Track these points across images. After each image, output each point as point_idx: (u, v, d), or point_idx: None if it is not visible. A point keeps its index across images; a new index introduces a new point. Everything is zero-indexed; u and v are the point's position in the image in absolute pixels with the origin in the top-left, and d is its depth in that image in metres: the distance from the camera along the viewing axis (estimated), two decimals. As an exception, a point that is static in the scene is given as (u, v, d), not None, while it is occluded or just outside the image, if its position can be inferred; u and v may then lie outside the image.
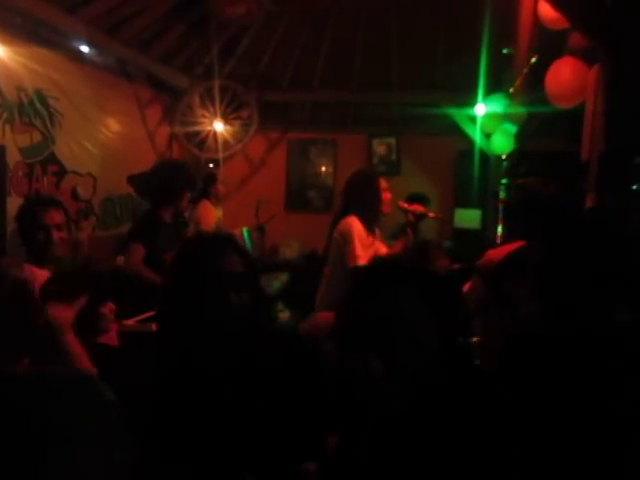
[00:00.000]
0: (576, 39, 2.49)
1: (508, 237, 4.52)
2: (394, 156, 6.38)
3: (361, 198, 3.07)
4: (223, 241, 1.47)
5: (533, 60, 3.55)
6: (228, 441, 1.15)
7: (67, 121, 4.56)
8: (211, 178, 5.05)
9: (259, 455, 1.15)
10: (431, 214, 3.76)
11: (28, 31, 4.01)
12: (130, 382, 1.59)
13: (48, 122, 4.39)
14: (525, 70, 3.76)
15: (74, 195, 4.68)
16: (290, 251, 6.13)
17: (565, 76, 2.53)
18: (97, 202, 5.01)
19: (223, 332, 1.38)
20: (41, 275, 2.41)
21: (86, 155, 4.85)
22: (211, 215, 4.75)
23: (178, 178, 3.60)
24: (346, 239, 2.96)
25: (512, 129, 4.11)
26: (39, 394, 0.72)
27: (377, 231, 3.30)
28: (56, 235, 2.60)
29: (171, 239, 3.56)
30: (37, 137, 4.28)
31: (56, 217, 2.62)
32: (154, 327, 2.97)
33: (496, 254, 2.27)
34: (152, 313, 2.97)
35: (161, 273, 3.37)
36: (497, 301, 2.06)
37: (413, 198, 3.77)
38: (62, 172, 4.56)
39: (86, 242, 4.73)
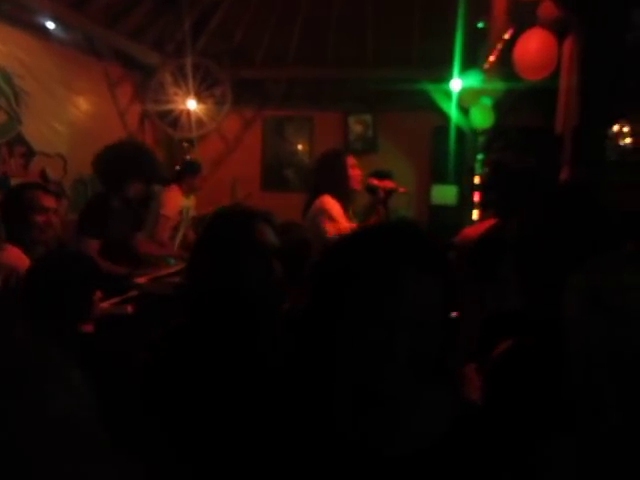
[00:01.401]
0: (546, 9, 2.46)
1: (483, 212, 4.56)
2: (370, 133, 6.35)
3: (330, 177, 3.08)
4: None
5: (506, 35, 3.51)
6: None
7: (34, 100, 4.42)
8: (193, 168, 4.71)
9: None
10: (401, 189, 3.74)
11: (-11, 7, 3.86)
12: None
13: (13, 102, 4.25)
14: (499, 45, 3.73)
15: (43, 177, 4.57)
16: (267, 230, 6.09)
17: (533, 48, 2.51)
18: (68, 184, 4.90)
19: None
20: (24, 260, 2.37)
21: (55, 135, 4.72)
22: (175, 202, 4.40)
23: (124, 165, 3.51)
24: (319, 217, 2.96)
25: (489, 103, 4.10)
26: None
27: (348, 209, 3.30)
28: (54, 218, 2.63)
29: (124, 224, 3.51)
30: (2, 117, 4.15)
31: (51, 201, 2.64)
32: (129, 309, 2.94)
33: (472, 231, 2.27)
34: (123, 296, 2.94)
35: (118, 261, 3.35)
36: (475, 278, 2.06)
37: (379, 175, 3.73)
38: (30, 153, 4.43)
39: (58, 225, 4.63)
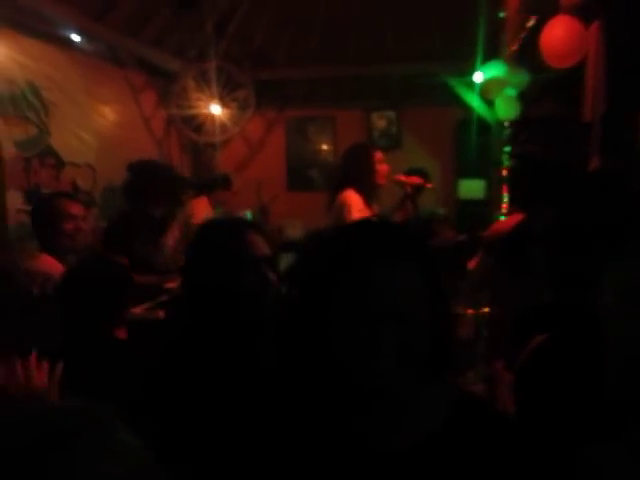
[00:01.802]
0: (568, -1, 2.40)
1: (511, 206, 4.49)
2: (394, 129, 6.31)
3: (356, 170, 3.07)
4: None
5: (530, 23, 3.45)
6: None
7: (61, 112, 4.51)
8: (225, 183, 4.79)
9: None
10: (428, 185, 3.72)
11: (15, 22, 3.94)
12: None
13: (42, 114, 4.34)
14: (522, 34, 3.66)
15: (74, 187, 4.65)
16: (294, 231, 6.10)
17: (559, 35, 2.45)
18: (98, 193, 4.98)
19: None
20: (58, 268, 2.43)
21: (83, 145, 4.81)
22: (204, 212, 4.47)
23: (146, 187, 3.56)
24: (342, 212, 2.96)
25: (514, 94, 4.03)
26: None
27: (375, 206, 3.28)
28: (83, 225, 2.68)
29: (150, 242, 3.56)
30: (32, 130, 4.24)
31: (77, 209, 2.69)
32: (161, 314, 2.98)
33: (502, 227, 2.25)
34: (155, 301, 2.98)
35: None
36: (507, 273, 2.03)
37: (411, 172, 3.73)
38: (60, 164, 4.52)
39: (90, 234, 4.72)
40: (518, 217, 2.22)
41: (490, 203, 5.75)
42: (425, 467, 0.86)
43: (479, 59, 4.89)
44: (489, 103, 5.18)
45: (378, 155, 3.19)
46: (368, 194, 3.10)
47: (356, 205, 2.99)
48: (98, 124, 5.03)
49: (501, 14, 4.63)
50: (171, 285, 3.25)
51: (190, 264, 1.49)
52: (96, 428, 0.65)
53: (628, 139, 2.12)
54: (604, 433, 0.87)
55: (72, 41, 4.54)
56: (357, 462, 0.87)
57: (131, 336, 2.10)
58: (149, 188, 3.59)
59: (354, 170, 3.09)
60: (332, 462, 0.88)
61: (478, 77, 4.70)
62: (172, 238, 4.25)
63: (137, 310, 2.76)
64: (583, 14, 2.36)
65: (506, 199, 4.83)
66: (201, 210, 4.49)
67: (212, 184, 4.74)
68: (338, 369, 0.88)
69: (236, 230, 1.46)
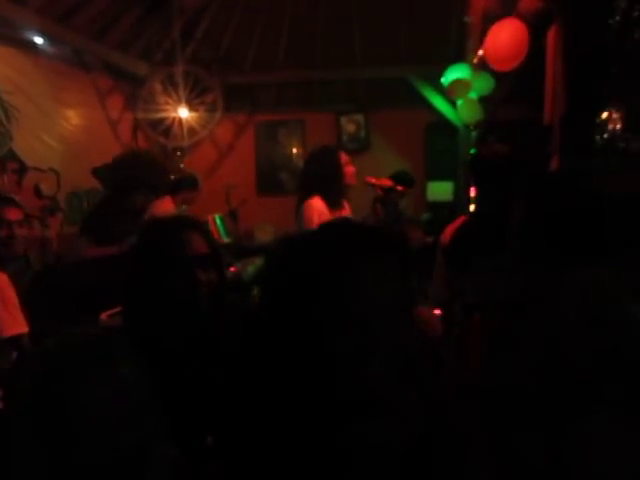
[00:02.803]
0: (527, 2, 2.45)
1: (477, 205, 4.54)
2: (363, 133, 6.34)
3: (321, 174, 2.98)
4: (186, 223, 1.48)
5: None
6: (188, 410, 1.13)
7: (24, 116, 4.42)
8: (192, 183, 4.69)
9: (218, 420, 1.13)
10: (399, 187, 3.72)
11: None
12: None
13: (4, 118, 4.25)
14: (485, 38, 3.73)
15: (37, 192, 4.56)
16: (264, 235, 6.08)
17: (503, 39, 2.49)
18: (62, 198, 4.89)
19: (194, 313, 1.39)
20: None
21: (47, 150, 4.72)
22: (165, 213, 4.43)
23: (134, 175, 3.48)
24: (304, 224, 2.90)
25: (475, 97, 4.09)
26: None
27: (347, 206, 3.24)
28: (18, 231, 2.57)
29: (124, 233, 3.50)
30: (-5, 135, 4.15)
31: (14, 213, 2.59)
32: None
33: (450, 228, 2.29)
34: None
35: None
36: (453, 273, 2.07)
37: (397, 178, 3.72)
38: (23, 169, 4.43)
39: (55, 239, 4.63)
40: (461, 219, 2.28)
41: (458, 205, 5.83)
42: (404, 472, 0.84)
43: (446, 63, 4.95)
44: (455, 105, 5.26)
45: (344, 157, 3.11)
46: (334, 198, 3.02)
47: (318, 214, 2.91)
48: (63, 128, 4.95)
49: (468, 20, 4.70)
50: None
51: (129, 268, 1.47)
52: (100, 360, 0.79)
53: (586, 140, 2.17)
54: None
55: (36, 45, 4.46)
56: (337, 463, 0.84)
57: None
58: (139, 179, 3.50)
59: (318, 174, 3.00)
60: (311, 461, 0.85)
61: (444, 80, 4.77)
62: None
63: (103, 317, 2.70)
64: (540, 20, 2.41)
65: (473, 201, 4.91)
66: (163, 210, 4.38)
67: (178, 183, 4.64)
68: (320, 382, 0.84)
69: (170, 229, 1.44)
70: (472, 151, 4.95)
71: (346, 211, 3.19)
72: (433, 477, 0.85)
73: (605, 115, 2.12)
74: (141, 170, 3.55)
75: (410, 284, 0.88)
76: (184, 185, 4.58)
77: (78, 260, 3.28)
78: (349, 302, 0.81)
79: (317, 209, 2.91)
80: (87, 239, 3.28)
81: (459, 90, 3.92)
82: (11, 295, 2.29)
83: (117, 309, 2.95)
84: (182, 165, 5.88)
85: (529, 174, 1.97)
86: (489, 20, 3.27)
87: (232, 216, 5.58)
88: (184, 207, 4.60)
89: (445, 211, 5.92)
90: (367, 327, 0.81)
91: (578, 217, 1.27)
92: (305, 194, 2.98)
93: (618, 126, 2.11)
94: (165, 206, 4.43)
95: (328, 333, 0.82)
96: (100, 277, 2.56)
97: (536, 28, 2.40)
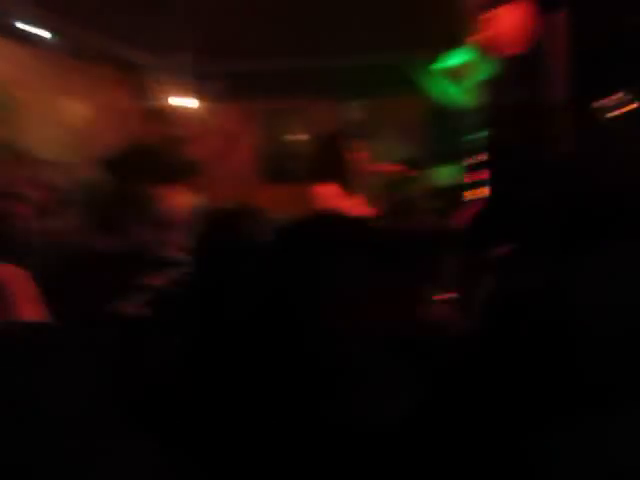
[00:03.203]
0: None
1: (477, 192, 4.57)
2: (364, 119, 6.37)
3: (331, 163, 2.99)
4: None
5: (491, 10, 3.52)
6: None
7: (32, 110, 4.47)
8: (195, 168, 4.77)
9: None
10: (412, 171, 3.72)
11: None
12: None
13: (12, 112, 4.30)
14: (481, 23, 3.73)
15: (45, 184, 4.61)
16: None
17: (506, 23, 2.51)
18: (72, 189, 4.94)
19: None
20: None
21: (56, 142, 4.77)
22: (179, 201, 4.53)
23: (146, 165, 3.53)
24: (317, 205, 2.93)
25: (473, 82, 4.11)
26: None
27: (360, 194, 3.25)
28: (29, 225, 2.60)
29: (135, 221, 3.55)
30: (1, 130, 4.20)
31: (24, 208, 2.62)
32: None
33: (466, 212, 2.29)
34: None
35: None
36: (471, 257, 2.10)
37: (408, 163, 3.74)
38: (33, 162, 4.48)
39: (65, 231, 4.68)
40: (477, 206, 2.27)
41: (460, 190, 5.86)
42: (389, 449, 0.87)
43: (446, 47, 4.96)
44: (457, 90, 5.27)
45: (352, 143, 3.11)
46: (346, 185, 3.02)
47: (331, 199, 2.92)
48: (69, 120, 4.99)
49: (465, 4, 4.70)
50: (155, 281, 3.25)
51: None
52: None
53: (590, 125, 2.21)
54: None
55: (40, 37, 4.49)
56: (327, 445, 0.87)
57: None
58: (139, 167, 3.56)
59: (327, 162, 3.00)
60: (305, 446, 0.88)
61: (444, 64, 4.76)
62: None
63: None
64: (544, 3, 2.44)
65: (471, 186, 4.93)
66: (178, 200, 4.49)
67: (184, 170, 4.71)
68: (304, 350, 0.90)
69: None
70: (482, 134, 4.97)
71: (359, 198, 3.20)
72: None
73: (609, 101, 2.17)
74: (147, 161, 3.61)
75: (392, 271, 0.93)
76: (189, 171, 4.65)
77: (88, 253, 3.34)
78: (318, 286, 0.89)
79: (329, 194, 2.92)
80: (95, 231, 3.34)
81: (461, 74, 3.94)
82: (29, 289, 2.34)
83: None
84: (188, 154, 5.91)
85: (547, 158, 2.00)
86: (490, 4, 3.30)
87: (239, 206, 5.62)
88: (199, 195, 4.68)
89: (450, 195, 5.96)
90: (333, 307, 0.88)
91: (595, 201, 1.31)
92: (315, 181, 3.00)
93: (624, 111, 2.16)
94: (180, 195, 4.52)
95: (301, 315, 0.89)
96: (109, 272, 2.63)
97: (541, 11, 2.42)
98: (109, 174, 3.74)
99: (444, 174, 6.17)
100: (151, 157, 3.74)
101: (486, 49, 3.96)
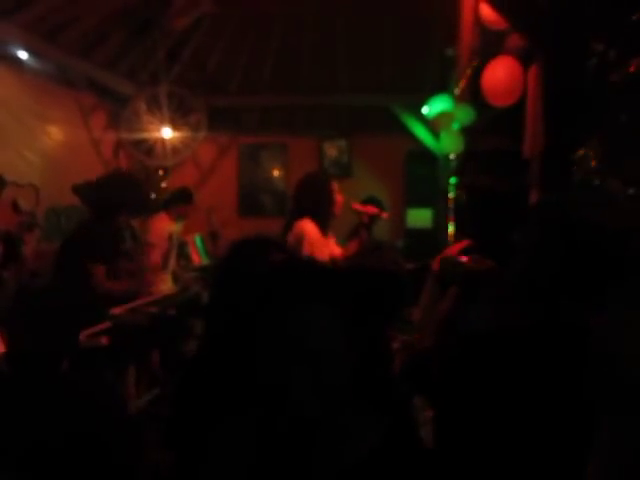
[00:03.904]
0: (514, 40, 2.56)
1: (459, 235, 4.62)
2: (345, 158, 6.42)
3: (315, 201, 3.04)
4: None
5: (476, 62, 3.62)
6: None
7: (5, 130, 4.39)
8: (186, 197, 4.75)
9: None
10: (384, 215, 3.83)
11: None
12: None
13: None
14: (469, 71, 3.83)
15: (15, 207, 4.50)
16: (244, 257, 6.08)
17: (500, 75, 2.59)
18: (41, 213, 4.83)
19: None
20: None
21: (27, 165, 4.68)
22: (162, 228, 4.49)
23: (116, 196, 3.52)
24: (299, 242, 2.94)
25: (457, 129, 4.20)
26: None
27: (330, 233, 3.30)
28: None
29: (116, 253, 3.51)
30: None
31: None
32: (104, 341, 2.90)
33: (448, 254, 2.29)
34: (98, 328, 2.90)
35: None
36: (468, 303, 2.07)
37: (367, 201, 3.82)
38: (1, 184, 4.37)
39: (30, 256, 4.56)
40: (463, 243, 2.28)
41: (437, 232, 5.91)
42: None
43: (427, 93, 5.07)
44: (436, 135, 5.37)
45: (335, 185, 3.20)
46: (324, 224, 3.08)
47: (313, 235, 2.96)
48: (45, 144, 4.92)
49: (449, 52, 4.82)
50: (116, 311, 3.18)
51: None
52: None
53: (565, 175, 2.24)
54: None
55: (21, 60, 4.44)
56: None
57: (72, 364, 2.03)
58: (121, 200, 3.54)
59: (312, 200, 3.06)
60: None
61: (427, 110, 4.87)
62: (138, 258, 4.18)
63: (82, 336, 2.67)
64: (524, 56, 2.50)
65: (452, 228, 4.99)
66: (159, 226, 4.48)
67: (172, 198, 4.73)
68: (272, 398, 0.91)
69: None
70: (452, 179, 5.05)
71: (331, 238, 3.23)
72: None
73: (582, 152, 2.20)
74: (123, 191, 3.58)
75: (361, 324, 0.95)
76: (178, 199, 4.66)
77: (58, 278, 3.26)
78: (292, 335, 0.90)
79: (311, 229, 2.96)
80: (98, 263, 3.30)
81: (442, 122, 4.02)
82: None
83: (97, 328, 2.92)
84: (164, 185, 5.88)
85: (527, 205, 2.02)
86: (474, 54, 3.39)
87: (212, 237, 5.57)
88: (180, 224, 4.67)
89: (423, 238, 6.01)
90: (294, 360, 0.89)
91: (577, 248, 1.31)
92: (297, 216, 3.03)
93: (594, 163, 2.19)
94: (162, 222, 4.53)
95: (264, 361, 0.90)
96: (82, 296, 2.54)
97: (523, 65, 2.50)
98: (82, 201, 3.70)
99: (419, 216, 6.24)
100: (125, 186, 3.71)
101: (471, 98, 4.06)
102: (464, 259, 1.92)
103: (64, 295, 2.00)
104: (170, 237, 4.53)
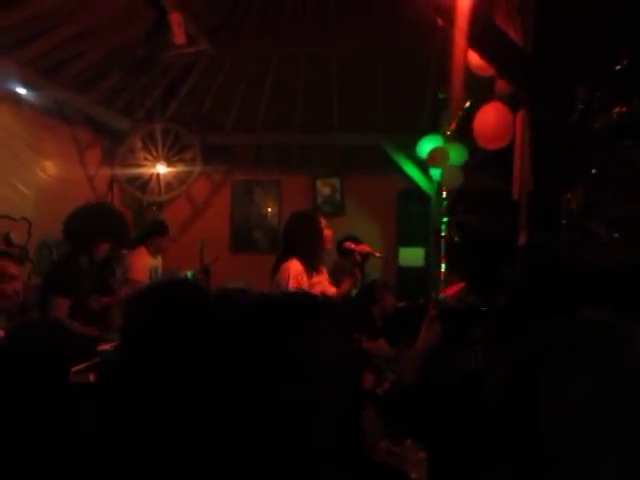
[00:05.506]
0: (502, 85, 2.63)
1: (451, 274, 4.63)
2: (338, 196, 6.47)
3: (302, 238, 3.06)
4: None
5: (467, 105, 3.70)
6: None
7: (0, 164, 4.42)
8: (160, 229, 4.75)
9: None
10: (377, 254, 3.85)
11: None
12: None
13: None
14: (459, 113, 3.91)
15: (7, 241, 4.50)
16: (236, 293, 6.05)
17: (490, 120, 2.66)
18: (33, 247, 4.83)
19: None
20: None
21: (20, 199, 4.70)
22: (143, 263, 4.44)
23: (94, 226, 3.49)
24: (280, 285, 2.94)
25: (459, 163, 4.25)
26: None
27: (324, 269, 3.30)
28: (18, 286, 2.51)
29: (93, 285, 3.46)
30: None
31: (17, 268, 2.55)
32: (92, 378, 2.86)
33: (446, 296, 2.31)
34: (86, 364, 2.86)
35: (86, 322, 3.30)
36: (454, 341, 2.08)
37: (352, 239, 3.84)
38: (-6, 217, 4.39)
39: (21, 290, 4.53)
40: (456, 287, 2.30)
41: (429, 270, 5.92)
42: None
43: (420, 133, 5.15)
44: (429, 174, 5.43)
45: (323, 221, 3.22)
46: (313, 261, 3.09)
47: (295, 276, 2.97)
48: (39, 178, 4.95)
49: (441, 95, 4.93)
50: (104, 347, 3.14)
51: None
52: None
53: (553, 217, 2.28)
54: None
55: (18, 95, 4.51)
56: None
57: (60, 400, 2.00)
58: (99, 230, 3.50)
59: (299, 237, 3.08)
60: None
61: (420, 148, 4.92)
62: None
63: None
64: (513, 101, 2.58)
65: (444, 267, 5.00)
66: (140, 261, 4.42)
67: (148, 232, 4.67)
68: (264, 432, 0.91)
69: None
70: (444, 219, 5.09)
71: (324, 274, 3.24)
72: None
73: (568, 195, 2.24)
74: (101, 222, 3.56)
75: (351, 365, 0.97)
76: (154, 232, 4.61)
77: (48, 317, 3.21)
78: (295, 361, 0.91)
79: (294, 271, 2.96)
80: (60, 295, 3.25)
81: (438, 157, 4.08)
82: None
83: (83, 365, 2.88)
84: (155, 218, 5.89)
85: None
86: (465, 97, 3.47)
87: (204, 273, 5.55)
88: (159, 257, 4.62)
89: (416, 276, 6.02)
90: (310, 382, 0.89)
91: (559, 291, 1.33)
92: (284, 255, 3.04)
93: (580, 206, 2.23)
94: (142, 257, 4.47)
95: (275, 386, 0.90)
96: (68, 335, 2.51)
97: (510, 109, 2.57)
98: (68, 236, 3.67)
99: (412, 255, 6.26)
100: (103, 217, 3.68)
101: (462, 139, 4.14)
102: (449, 297, 1.93)
103: (50, 332, 1.99)
104: (150, 272, 4.48)
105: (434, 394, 1.51)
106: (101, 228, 3.51)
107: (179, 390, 1.37)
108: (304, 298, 1.04)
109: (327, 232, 3.24)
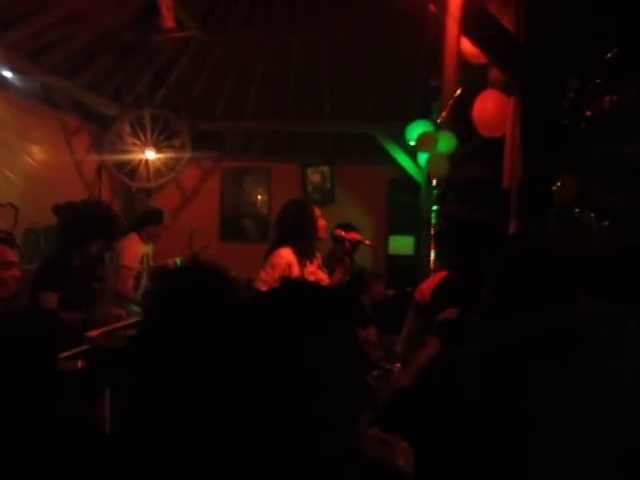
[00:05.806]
0: (496, 73, 2.63)
1: (440, 262, 4.64)
2: (328, 184, 6.46)
3: (297, 227, 3.04)
4: None
5: (457, 92, 3.69)
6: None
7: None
8: (155, 217, 4.68)
9: None
10: (367, 242, 3.85)
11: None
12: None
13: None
14: (451, 102, 3.91)
15: (-5, 227, 4.45)
16: (225, 281, 6.04)
17: (489, 107, 2.66)
18: (19, 234, 4.77)
19: None
20: None
21: (7, 185, 4.64)
22: (135, 251, 4.41)
23: (86, 227, 3.46)
24: (275, 270, 2.93)
25: (445, 151, 4.23)
26: None
27: (318, 257, 3.29)
28: (16, 272, 2.47)
29: (84, 282, 3.44)
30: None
31: (14, 255, 2.50)
32: (80, 364, 2.84)
33: (428, 286, 2.30)
34: (73, 351, 2.84)
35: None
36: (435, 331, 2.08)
37: (343, 227, 3.84)
38: (-20, 203, 4.33)
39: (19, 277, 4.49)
40: (441, 275, 2.30)
41: (419, 258, 5.94)
42: None
43: (410, 122, 5.14)
44: (419, 161, 5.43)
45: (317, 211, 3.20)
46: (307, 250, 3.07)
47: (287, 263, 2.95)
48: (26, 164, 4.88)
49: (433, 83, 4.91)
50: (93, 334, 3.12)
51: None
52: None
53: (542, 206, 2.29)
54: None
55: (5, 79, 4.44)
56: None
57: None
58: (91, 230, 3.46)
59: (294, 227, 3.05)
60: None
61: (412, 132, 4.90)
62: (111, 282, 4.13)
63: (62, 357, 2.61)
64: (507, 89, 2.57)
65: (433, 255, 5.02)
66: (132, 248, 4.39)
67: (142, 219, 4.64)
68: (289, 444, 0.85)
69: None
70: (434, 207, 5.10)
71: (318, 262, 3.23)
72: None
73: (558, 184, 2.25)
74: (93, 222, 3.53)
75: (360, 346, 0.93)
76: (148, 220, 4.58)
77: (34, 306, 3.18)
78: (323, 364, 0.84)
79: (285, 258, 2.94)
80: (49, 290, 3.22)
81: (426, 143, 4.06)
82: None
83: (75, 350, 2.87)
84: (150, 205, 5.85)
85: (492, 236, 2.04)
86: (456, 85, 3.46)
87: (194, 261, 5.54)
88: (150, 245, 4.59)
89: (405, 264, 6.03)
90: (338, 387, 0.84)
91: (547, 278, 1.33)
92: (277, 243, 3.03)
93: (570, 195, 2.24)
94: (134, 244, 4.45)
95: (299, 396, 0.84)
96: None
97: (506, 97, 2.57)
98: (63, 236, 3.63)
99: (402, 243, 6.28)
100: (108, 221, 3.66)
101: (453, 128, 4.13)
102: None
103: (40, 318, 1.97)
104: (142, 259, 4.46)
105: (428, 395, 1.51)
106: (95, 229, 3.49)
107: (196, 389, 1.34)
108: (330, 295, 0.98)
109: (321, 222, 3.23)
